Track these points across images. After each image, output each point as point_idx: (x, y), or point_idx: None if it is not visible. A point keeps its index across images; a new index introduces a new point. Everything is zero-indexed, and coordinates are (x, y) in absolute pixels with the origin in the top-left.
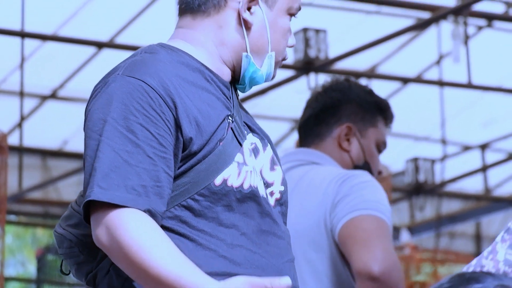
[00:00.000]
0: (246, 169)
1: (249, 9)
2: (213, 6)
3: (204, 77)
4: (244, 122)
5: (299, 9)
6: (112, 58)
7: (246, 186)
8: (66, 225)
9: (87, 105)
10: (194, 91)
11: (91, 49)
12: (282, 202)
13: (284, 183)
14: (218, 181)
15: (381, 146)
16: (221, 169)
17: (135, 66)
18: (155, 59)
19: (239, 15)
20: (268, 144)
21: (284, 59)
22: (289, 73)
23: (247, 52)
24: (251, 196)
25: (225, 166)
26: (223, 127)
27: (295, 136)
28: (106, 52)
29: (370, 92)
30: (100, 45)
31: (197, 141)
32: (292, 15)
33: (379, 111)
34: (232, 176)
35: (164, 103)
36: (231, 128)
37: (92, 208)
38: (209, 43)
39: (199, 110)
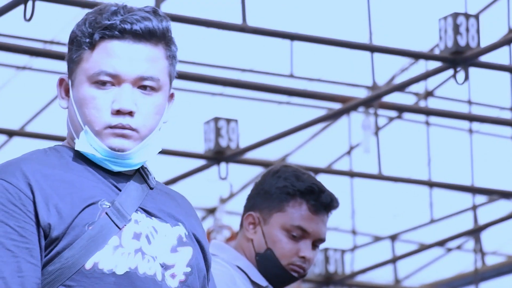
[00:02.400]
0: (121, 251)
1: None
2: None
3: (85, 168)
4: (159, 208)
5: (107, 73)
6: (23, 146)
7: (120, 269)
8: None
9: None
10: (60, 182)
11: (2, 137)
12: (188, 283)
13: (192, 264)
14: (88, 265)
15: (292, 231)
16: (91, 253)
17: (1, 167)
18: (21, 159)
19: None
20: (181, 225)
21: (116, 126)
22: (200, 162)
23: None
24: (128, 279)
25: (96, 250)
26: (93, 212)
27: (206, 225)
28: (17, 140)
29: (286, 178)
30: (10, 133)
31: (57, 226)
32: (98, 82)
33: (300, 195)
34: (103, 259)
35: (24, 195)
36: (106, 213)
37: None
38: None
39: (61, 197)
